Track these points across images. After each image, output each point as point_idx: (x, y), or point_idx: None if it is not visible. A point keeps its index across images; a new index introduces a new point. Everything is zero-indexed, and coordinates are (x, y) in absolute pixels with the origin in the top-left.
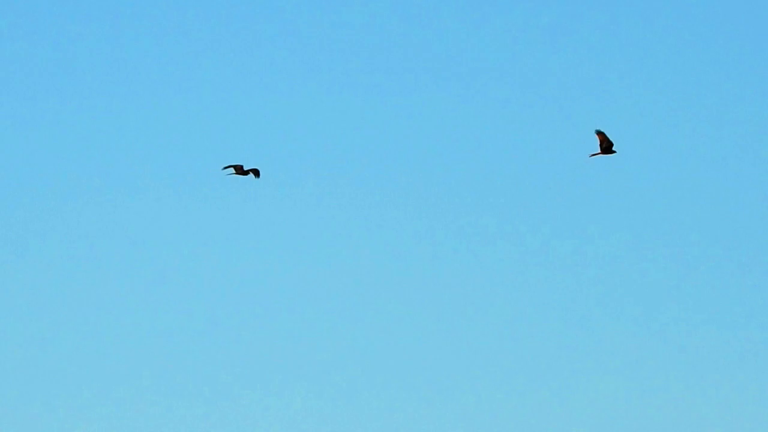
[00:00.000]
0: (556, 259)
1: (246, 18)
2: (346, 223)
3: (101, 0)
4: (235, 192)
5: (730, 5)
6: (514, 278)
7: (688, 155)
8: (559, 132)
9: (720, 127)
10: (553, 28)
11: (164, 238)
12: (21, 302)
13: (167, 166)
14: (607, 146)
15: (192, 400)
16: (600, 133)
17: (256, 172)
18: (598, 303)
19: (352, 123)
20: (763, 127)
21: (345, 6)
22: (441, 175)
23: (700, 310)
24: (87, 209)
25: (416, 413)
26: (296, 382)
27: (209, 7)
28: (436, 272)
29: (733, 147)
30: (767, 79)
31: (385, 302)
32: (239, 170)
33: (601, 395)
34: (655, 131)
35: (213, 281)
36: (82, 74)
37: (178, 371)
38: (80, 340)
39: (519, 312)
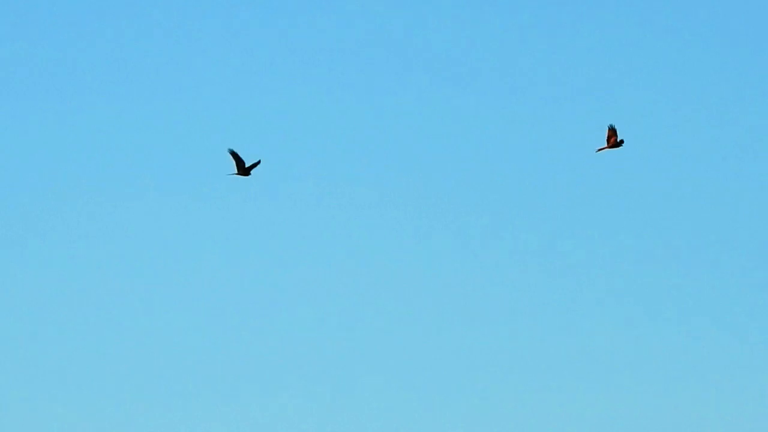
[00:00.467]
0: (556, 258)
1: (246, 18)
2: (346, 224)
3: (101, 0)
4: (235, 192)
5: (732, 5)
6: (514, 278)
7: (690, 154)
8: (559, 132)
9: (722, 127)
10: (553, 25)
11: (164, 237)
12: (21, 302)
13: (167, 166)
14: (614, 142)
15: (192, 400)
16: (611, 129)
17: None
18: (599, 303)
19: (352, 123)
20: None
21: (345, 6)
22: (441, 176)
23: (701, 310)
24: (87, 209)
25: (416, 413)
26: (296, 383)
27: (209, 7)
28: (435, 272)
29: (734, 146)
30: None
31: (384, 302)
32: (241, 169)
33: (600, 395)
34: (656, 130)
35: (213, 281)
36: (82, 74)
37: (178, 371)
38: (80, 340)
39: (519, 312)
